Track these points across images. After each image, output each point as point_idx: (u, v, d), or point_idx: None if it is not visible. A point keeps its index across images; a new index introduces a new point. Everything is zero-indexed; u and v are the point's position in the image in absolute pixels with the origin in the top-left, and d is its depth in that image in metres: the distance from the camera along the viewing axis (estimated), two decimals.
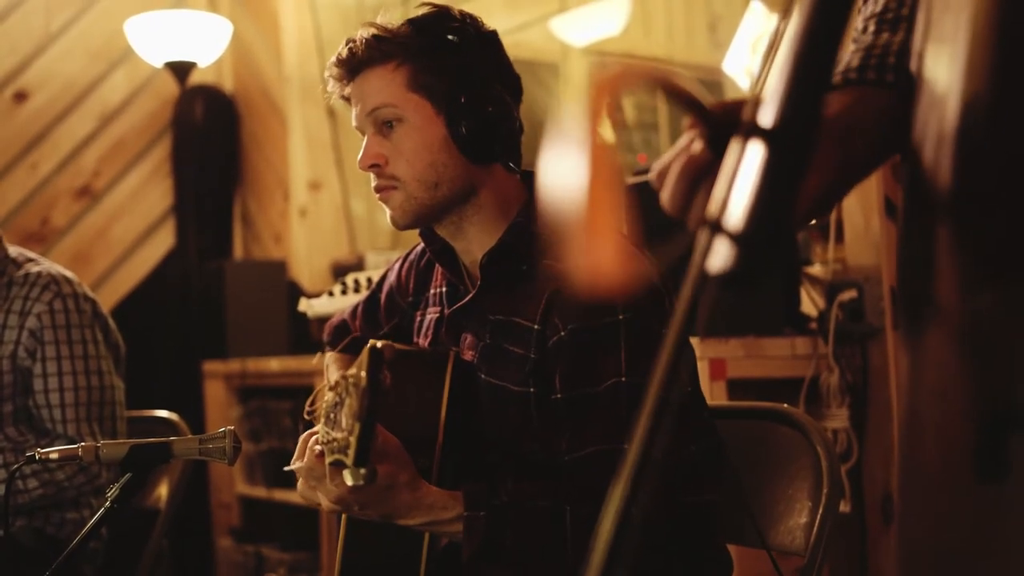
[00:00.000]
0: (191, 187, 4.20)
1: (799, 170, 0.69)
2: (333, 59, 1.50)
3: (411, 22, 1.49)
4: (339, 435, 1.17)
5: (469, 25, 1.50)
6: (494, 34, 1.53)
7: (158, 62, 3.96)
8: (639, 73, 0.73)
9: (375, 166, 1.49)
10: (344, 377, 1.20)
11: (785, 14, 0.73)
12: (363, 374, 1.15)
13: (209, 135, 4.28)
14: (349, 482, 1.15)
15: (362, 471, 1.14)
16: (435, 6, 1.51)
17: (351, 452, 1.14)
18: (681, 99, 0.75)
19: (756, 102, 0.70)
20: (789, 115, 0.69)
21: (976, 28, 0.70)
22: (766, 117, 0.70)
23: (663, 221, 0.90)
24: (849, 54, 1.13)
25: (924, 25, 0.80)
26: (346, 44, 1.49)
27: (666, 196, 0.89)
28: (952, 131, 0.71)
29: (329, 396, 1.27)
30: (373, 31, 1.48)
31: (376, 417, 1.15)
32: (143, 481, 1.49)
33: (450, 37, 1.47)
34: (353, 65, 1.49)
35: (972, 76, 0.70)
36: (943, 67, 0.73)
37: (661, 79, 0.75)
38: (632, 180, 2.53)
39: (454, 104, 1.46)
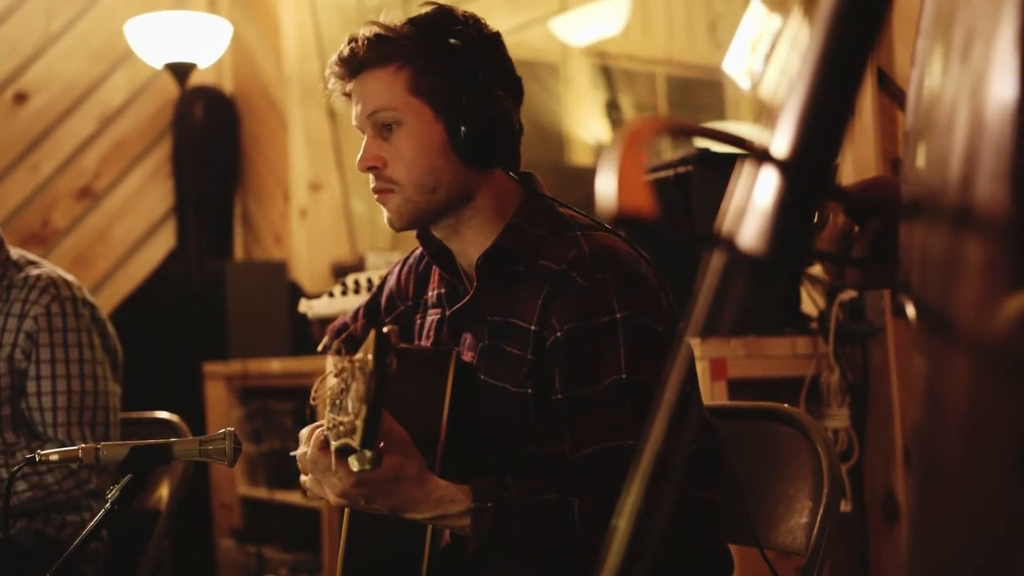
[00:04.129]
0: (191, 188, 4.20)
1: (815, 201, 0.68)
2: (335, 57, 1.49)
3: (413, 22, 1.47)
4: (345, 419, 1.16)
5: (472, 27, 1.47)
6: (497, 36, 1.50)
7: (158, 63, 3.96)
8: (665, 124, 0.78)
9: (373, 168, 1.49)
10: (351, 362, 1.18)
11: (795, 14, 0.72)
12: (370, 357, 1.13)
13: (209, 136, 4.28)
14: (355, 467, 1.13)
15: (368, 454, 1.12)
16: (438, 6, 1.49)
17: (358, 435, 1.12)
18: (721, 140, 0.80)
19: (771, 115, 0.70)
20: (808, 149, 0.67)
21: None
22: (781, 145, 0.68)
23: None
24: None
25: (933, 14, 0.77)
26: (348, 42, 1.48)
27: None
28: (995, 132, 0.68)
29: (334, 383, 1.25)
30: (376, 30, 1.46)
31: (384, 399, 1.13)
32: (143, 482, 1.48)
33: (452, 40, 1.45)
34: (355, 64, 1.48)
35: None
36: (977, 52, 0.70)
37: (683, 128, 0.86)
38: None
39: (455, 109, 1.44)
